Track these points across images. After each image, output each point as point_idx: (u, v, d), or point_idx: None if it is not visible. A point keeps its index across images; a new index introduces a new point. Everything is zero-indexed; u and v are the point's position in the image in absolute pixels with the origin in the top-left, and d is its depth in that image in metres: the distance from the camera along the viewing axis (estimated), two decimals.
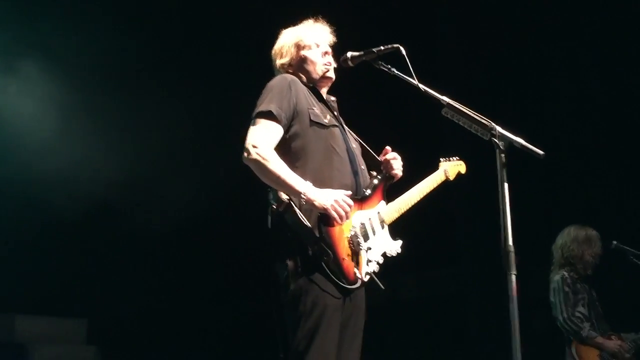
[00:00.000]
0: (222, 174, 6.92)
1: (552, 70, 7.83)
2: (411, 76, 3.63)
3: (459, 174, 4.50)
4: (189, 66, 7.32)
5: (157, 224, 7.19)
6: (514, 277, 3.26)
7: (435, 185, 4.27)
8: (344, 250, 3.62)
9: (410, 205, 4.06)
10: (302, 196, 3.53)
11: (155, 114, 7.07)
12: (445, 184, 4.36)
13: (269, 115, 3.66)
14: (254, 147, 3.59)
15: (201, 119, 7.37)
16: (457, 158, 4.53)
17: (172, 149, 7.27)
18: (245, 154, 3.61)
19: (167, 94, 7.10)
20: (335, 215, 3.55)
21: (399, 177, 4.06)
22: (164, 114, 7.07)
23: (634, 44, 7.36)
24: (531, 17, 7.83)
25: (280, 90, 3.74)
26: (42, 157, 6.67)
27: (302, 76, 3.96)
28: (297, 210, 3.54)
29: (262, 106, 3.69)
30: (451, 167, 4.44)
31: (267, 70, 4.08)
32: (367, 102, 6.99)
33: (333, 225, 3.59)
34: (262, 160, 3.56)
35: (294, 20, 4.11)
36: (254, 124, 3.67)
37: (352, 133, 4.06)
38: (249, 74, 4.60)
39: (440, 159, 4.47)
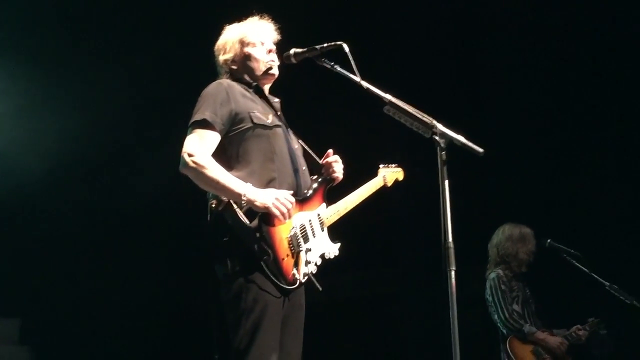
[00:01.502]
0: (167, 164, 6.79)
1: (490, 69, 7.96)
2: (354, 74, 3.65)
3: (396, 181, 4.60)
4: (135, 39, 7.06)
5: (94, 216, 7.02)
6: (453, 274, 3.28)
7: (374, 190, 4.35)
8: (283, 250, 3.63)
9: (349, 209, 4.12)
10: (243, 197, 3.53)
11: (97, 91, 6.85)
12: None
13: (203, 124, 3.66)
14: (190, 155, 3.59)
15: (148, 94, 7.15)
16: (396, 165, 4.63)
17: (114, 132, 7.03)
18: (181, 164, 3.61)
19: (111, 68, 6.85)
20: (278, 213, 3.55)
21: (340, 180, 4.11)
22: (107, 90, 6.85)
23: (573, 43, 7.51)
24: (471, 16, 7.94)
25: (215, 97, 3.74)
26: None
27: (245, 73, 3.95)
28: (237, 210, 3.55)
29: (196, 115, 3.69)
30: (389, 174, 4.54)
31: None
32: (310, 104, 6.96)
33: (274, 225, 3.61)
34: (199, 168, 3.57)
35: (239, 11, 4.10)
36: (189, 134, 3.68)
37: (295, 133, 4.06)
38: (198, 50, 4.54)
39: (380, 165, 4.56)
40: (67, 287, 6.91)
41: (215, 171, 3.56)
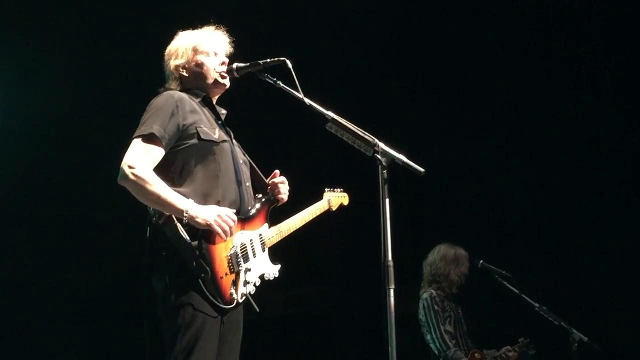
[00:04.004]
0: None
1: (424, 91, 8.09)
2: (297, 90, 3.65)
3: (341, 205, 4.61)
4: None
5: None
6: (392, 292, 3.29)
7: (318, 213, 4.35)
8: (222, 268, 3.59)
9: (292, 231, 4.10)
10: (185, 214, 3.47)
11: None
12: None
13: (150, 138, 3.58)
14: (130, 167, 3.49)
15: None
16: (341, 190, 4.64)
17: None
18: (120, 176, 3.52)
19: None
20: (219, 231, 3.52)
21: (284, 201, 4.09)
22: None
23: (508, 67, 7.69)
24: (411, 35, 8.05)
25: (165, 110, 3.65)
26: None
27: (195, 81, 3.88)
28: (178, 225, 3.50)
29: (143, 127, 3.60)
30: (334, 198, 4.55)
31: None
32: (256, 119, 6.94)
33: (215, 243, 3.57)
34: (139, 181, 3.48)
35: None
36: (133, 145, 3.58)
37: (241, 148, 4.03)
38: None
39: (325, 189, 4.56)
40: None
41: (156, 186, 3.49)
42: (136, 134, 3.60)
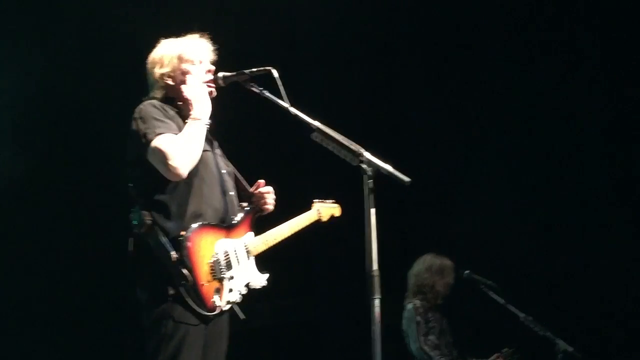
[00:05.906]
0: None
1: (410, 101, 8.11)
2: (282, 99, 3.64)
3: (332, 217, 4.55)
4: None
5: None
6: (377, 302, 3.28)
7: (307, 223, 4.31)
8: (204, 275, 3.57)
9: (278, 240, 4.06)
10: (204, 122, 3.67)
11: None
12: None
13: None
14: (169, 160, 3.50)
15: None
16: (332, 201, 4.60)
17: None
18: (170, 175, 3.54)
19: None
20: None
21: (270, 211, 4.07)
22: None
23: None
24: (397, 43, 8.08)
25: (156, 113, 3.65)
26: None
27: (180, 90, 3.83)
28: (160, 233, 3.50)
29: (149, 134, 3.56)
30: (325, 209, 4.49)
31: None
32: (242, 128, 6.93)
33: (196, 250, 3.54)
34: (181, 159, 3.52)
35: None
36: (153, 149, 3.53)
37: (225, 157, 4.01)
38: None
39: (315, 200, 4.51)
40: None
41: (177, 141, 3.55)
42: (148, 140, 3.56)
